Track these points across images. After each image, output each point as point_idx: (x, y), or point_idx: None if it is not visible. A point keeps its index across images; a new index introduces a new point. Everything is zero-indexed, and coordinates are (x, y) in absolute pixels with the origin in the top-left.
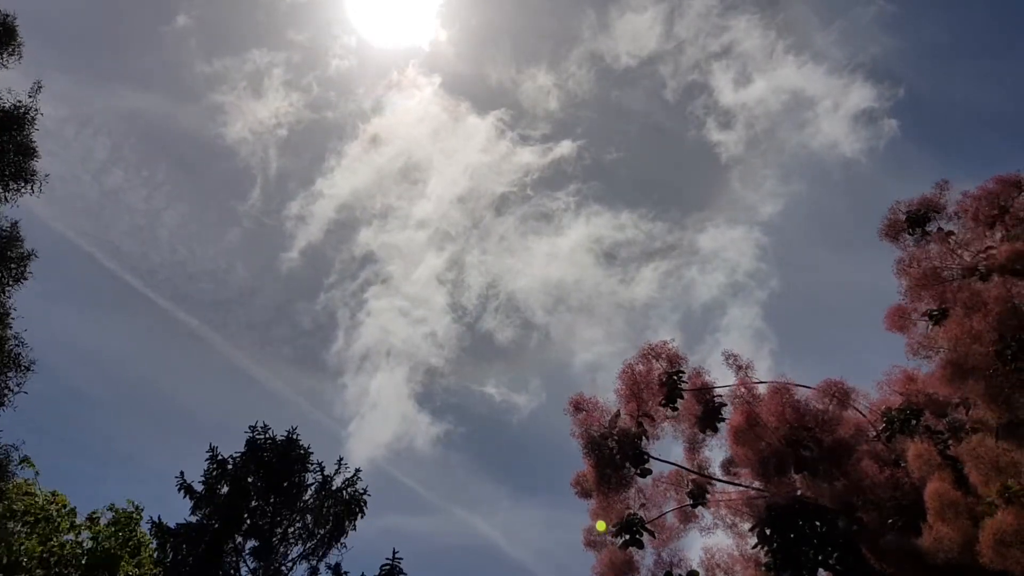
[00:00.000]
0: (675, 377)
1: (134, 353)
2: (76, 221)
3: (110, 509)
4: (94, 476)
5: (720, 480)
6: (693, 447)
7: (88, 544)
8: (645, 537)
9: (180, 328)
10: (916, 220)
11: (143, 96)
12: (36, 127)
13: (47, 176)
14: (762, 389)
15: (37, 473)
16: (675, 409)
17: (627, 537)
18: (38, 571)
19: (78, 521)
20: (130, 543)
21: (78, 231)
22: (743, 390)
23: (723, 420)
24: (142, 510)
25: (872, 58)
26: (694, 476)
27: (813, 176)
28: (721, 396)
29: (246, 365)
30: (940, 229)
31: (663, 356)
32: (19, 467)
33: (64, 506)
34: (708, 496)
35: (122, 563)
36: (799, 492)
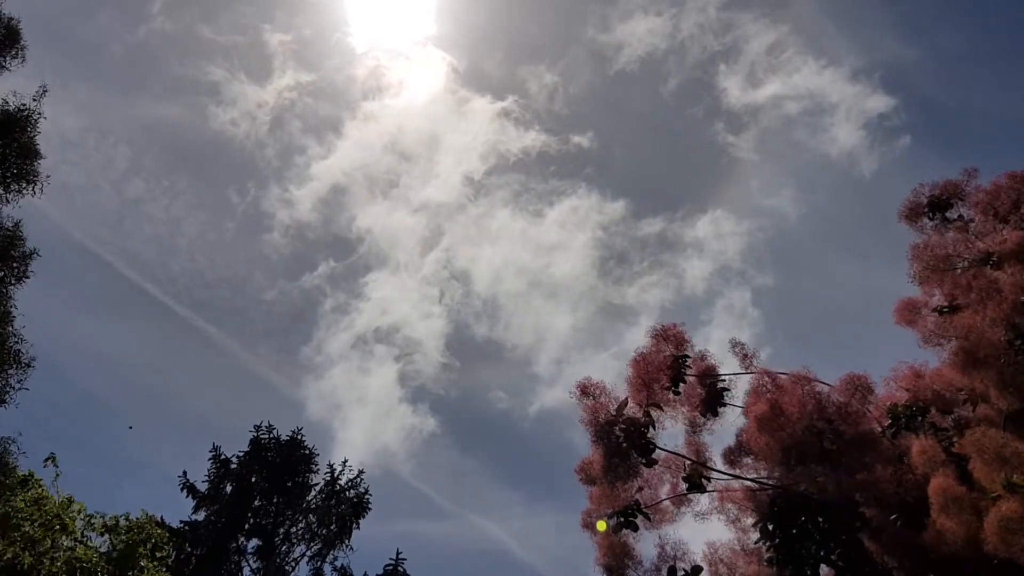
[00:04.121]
0: (681, 360)
1: (152, 360)
2: (96, 230)
3: (126, 519)
4: (109, 481)
5: (723, 473)
6: (693, 430)
7: (105, 548)
8: (648, 532)
9: (198, 335)
10: (938, 205)
11: (161, 104)
12: (39, 130)
13: (48, 177)
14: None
15: (57, 474)
16: (677, 393)
17: (622, 520)
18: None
19: (104, 522)
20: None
21: (98, 240)
22: (766, 378)
23: (724, 405)
24: (158, 520)
25: (887, 63)
26: (694, 464)
27: (821, 179)
28: (724, 380)
29: (263, 372)
30: (961, 216)
31: (671, 338)
32: (44, 466)
33: (81, 511)
34: (706, 484)
35: (142, 562)
36: (804, 486)
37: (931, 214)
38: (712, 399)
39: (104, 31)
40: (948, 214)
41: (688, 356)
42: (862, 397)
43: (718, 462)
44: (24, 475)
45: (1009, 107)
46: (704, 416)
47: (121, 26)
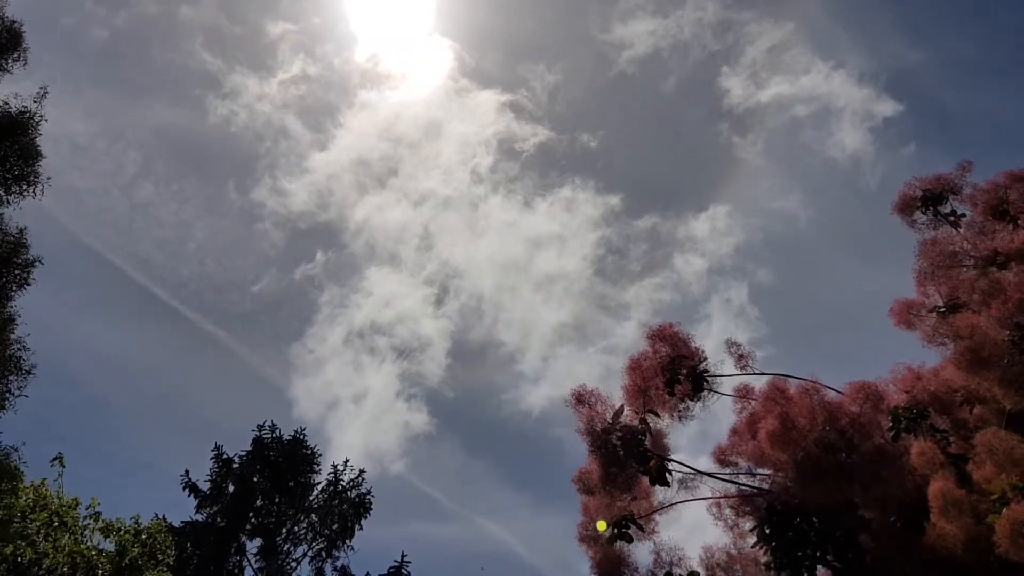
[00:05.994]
0: (676, 362)
1: (161, 364)
2: (105, 234)
3: (133, 520)
4: (116, 483)
5: (719, 477)
6: (678, 418)
7: (110, 550)
8: (644, 538)
9: (207, 339)
10: (932, 199)
11: (173, 109)
12: (40, 131)
13: (50, 179)
14: (762, 385)
15: (60, 474)
16: (673, 394)
17: (615, 531)
18: (65, 570)
19: (99, 524)
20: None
21: (107, 244)
22: (776, 391)
23: (709, 390)
24: (167, 526)
25: (892, 66)
26: (663, 460)
27: (825, 181)
28: (706, 362)
29: (268, 373)
30: (954, 211)
31: (667, 339)
32: (51, 465)
33: (92, 507)
34: (669, 476)
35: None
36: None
37: (924, 208)
38: (695, 383)
39: (88, 17)
40: (941, 208)
41: (684, 357)
42: (873, 406)
43: (709, 463)
44: (35, 484)
45: (1015, 112)
46: (685, 400)
47: (106, 11)
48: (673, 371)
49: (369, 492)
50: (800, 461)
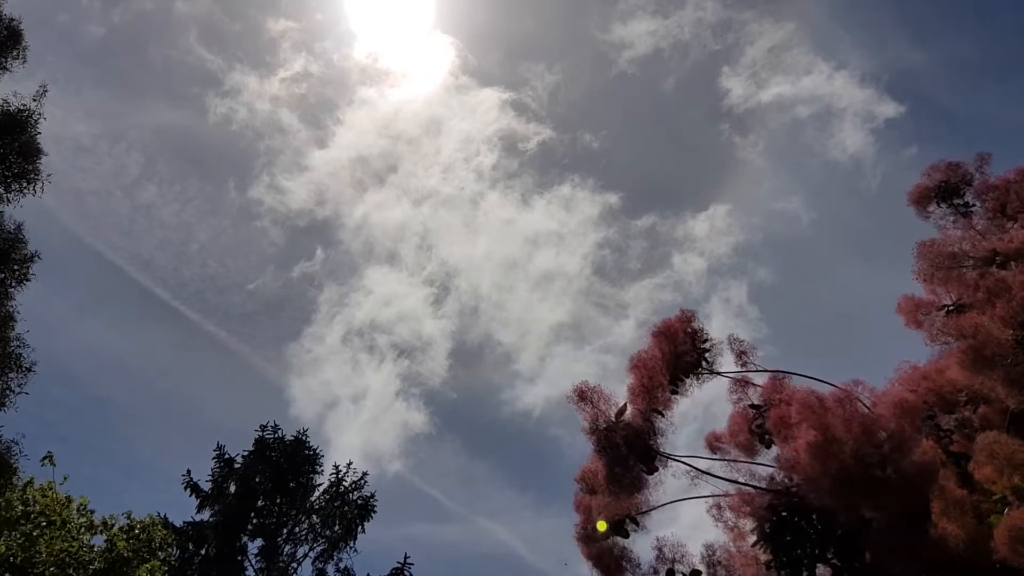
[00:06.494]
0: (693, 353)
1: (162, 365)
2: (108, 236)
3: (126, 515)
4: (117, 484)
5: (720, 478)
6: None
7: (102, 546)
8: (645, 534)
9: (208, 340)
10: (948, 190)
11: (174, 110)
12: (39, 129)
13: (49, 176)
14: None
15: (66, 478)
16: (676, 392)
17: (612, 528)
18: (52, 570)
19: (95, 521)
20: (145, 550)
21: (109, 245)
22: (815, 399)
23: (711, 372)
24: (163, 520)
25: (893, 67)
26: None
27: (826, 182)
28: (711, 341)
29: (272, 375)
30: (967, 204)
31: (675, 332)
32: (42, 465)
33: (84, 506)
34: (659, 461)
35: (137, 570)
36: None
37: (939, 200)
38: (696, 361)
39: (84, 14)
40: (955, 201)
41: (696, 350)
42: (911, 421)
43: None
44: (42, 488)
45: (1017, 113)
46: (685, 378)
47: (101, 7)
48: (676, 367)
49: (373, 496)
50: (837, 474)
